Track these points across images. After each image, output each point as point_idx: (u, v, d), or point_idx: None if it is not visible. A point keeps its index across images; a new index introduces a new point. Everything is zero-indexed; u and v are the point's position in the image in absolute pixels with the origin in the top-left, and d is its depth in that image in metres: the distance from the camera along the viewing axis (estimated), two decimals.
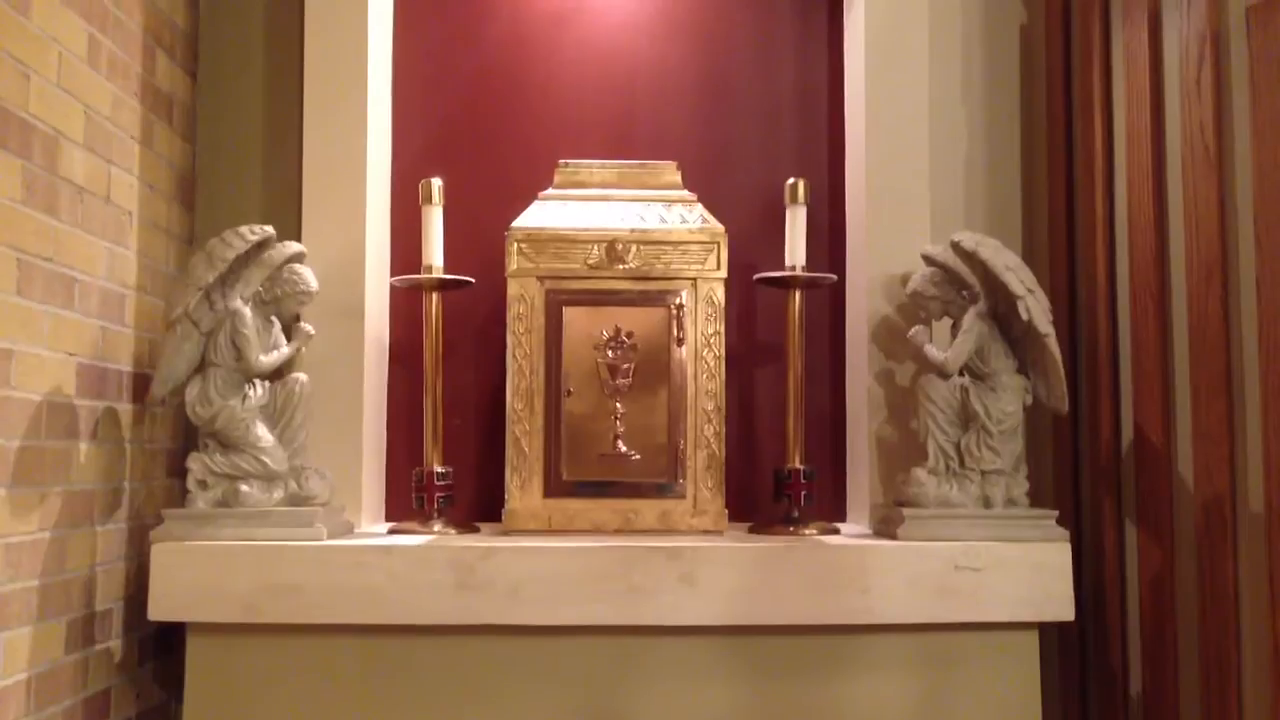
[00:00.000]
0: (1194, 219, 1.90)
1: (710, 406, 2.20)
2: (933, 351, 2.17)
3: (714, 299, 2.21)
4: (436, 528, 2.18)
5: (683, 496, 2.19)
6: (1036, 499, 2.19)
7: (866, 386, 2.34)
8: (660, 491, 2.19)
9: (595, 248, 2.20)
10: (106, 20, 2.00)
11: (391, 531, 2.19)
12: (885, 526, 2.18)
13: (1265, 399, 1.71)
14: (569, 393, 2.20)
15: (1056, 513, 2.11)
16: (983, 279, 2.15)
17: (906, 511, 2.10)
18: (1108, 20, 2.20)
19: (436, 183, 2.27)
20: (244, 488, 2.04)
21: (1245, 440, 1.79)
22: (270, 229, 2.07)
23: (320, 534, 2.02)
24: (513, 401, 2.18)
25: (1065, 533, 2.08)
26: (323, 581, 1.97)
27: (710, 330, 2.20)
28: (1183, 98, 1.94)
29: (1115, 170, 2.18)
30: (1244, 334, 1.79)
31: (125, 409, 2.08)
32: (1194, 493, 1.90)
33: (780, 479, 2.26)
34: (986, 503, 2.12)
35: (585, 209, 2.24)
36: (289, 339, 2.15)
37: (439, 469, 2.23)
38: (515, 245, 2.19)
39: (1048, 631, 2.17)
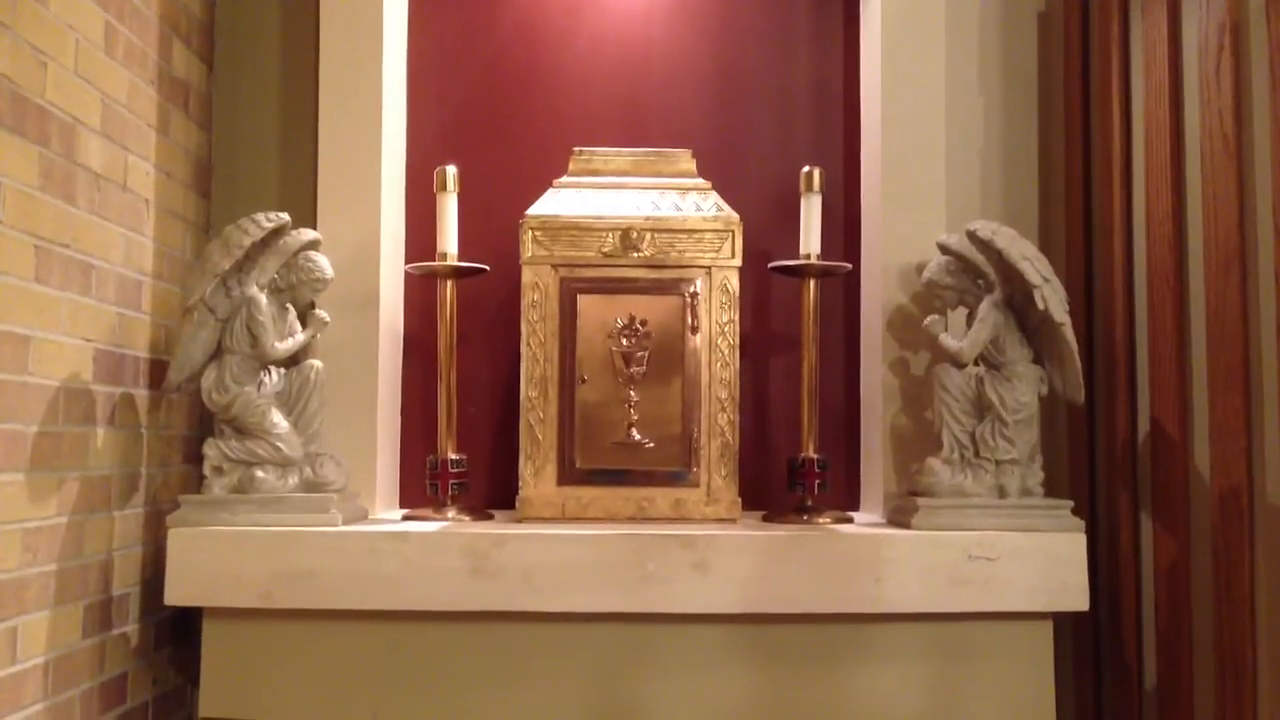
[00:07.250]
0: (1212, 209, 1.89)
1: (724, 395, 2.19)
2: (948, 341, 2.17)
3: (728, 287, 2.21)
4: (450, 515, 2.19)
5: (696, 485, 2.19)
6: (1051, 489, 2.18)
7: (881, 376, 2.33)
8: (674, 480, 2.20)
9: (610, 235, 2.20)
10: (124, 8, 2.00)
11: (406, 518, 2.20)
12: (899, 516, 2.17)
13: None
14: (583, 381, 2.20)
15: (1071, 503, 2.11)
16: (998, 268, 2.15)
17: (920, 501, 2.09)
18: (1126, 9, 2.18)
19: (451, 170, 2.27)
20: (259, 474, 2.05)
21: (1263, 433, 1.78)
22: (286, 216, 2.08)
23: (335, 520, 2.03)
24: (527, 389, 2.19)
25: (1080, 523, 2.08)
26: (337, 567, 1.98)
27: (724, 319, 2.20)
28: (1202, 87, 1.92)
29: (1133, 160, 2.16)
30: (1262, 325, 1.78)
31: (142, 395, 2.09)
32: (1210, 484, 1.89)
33: (794, 468, 2.26)
34: (1001, 492, 2.11)
35: (600, 197, 2.24)
36: (304, 326, 2.16)
37: (453, 456, 2.24)
38: (530, 233, 2.20)
39: (1062, 622, 2.17)
